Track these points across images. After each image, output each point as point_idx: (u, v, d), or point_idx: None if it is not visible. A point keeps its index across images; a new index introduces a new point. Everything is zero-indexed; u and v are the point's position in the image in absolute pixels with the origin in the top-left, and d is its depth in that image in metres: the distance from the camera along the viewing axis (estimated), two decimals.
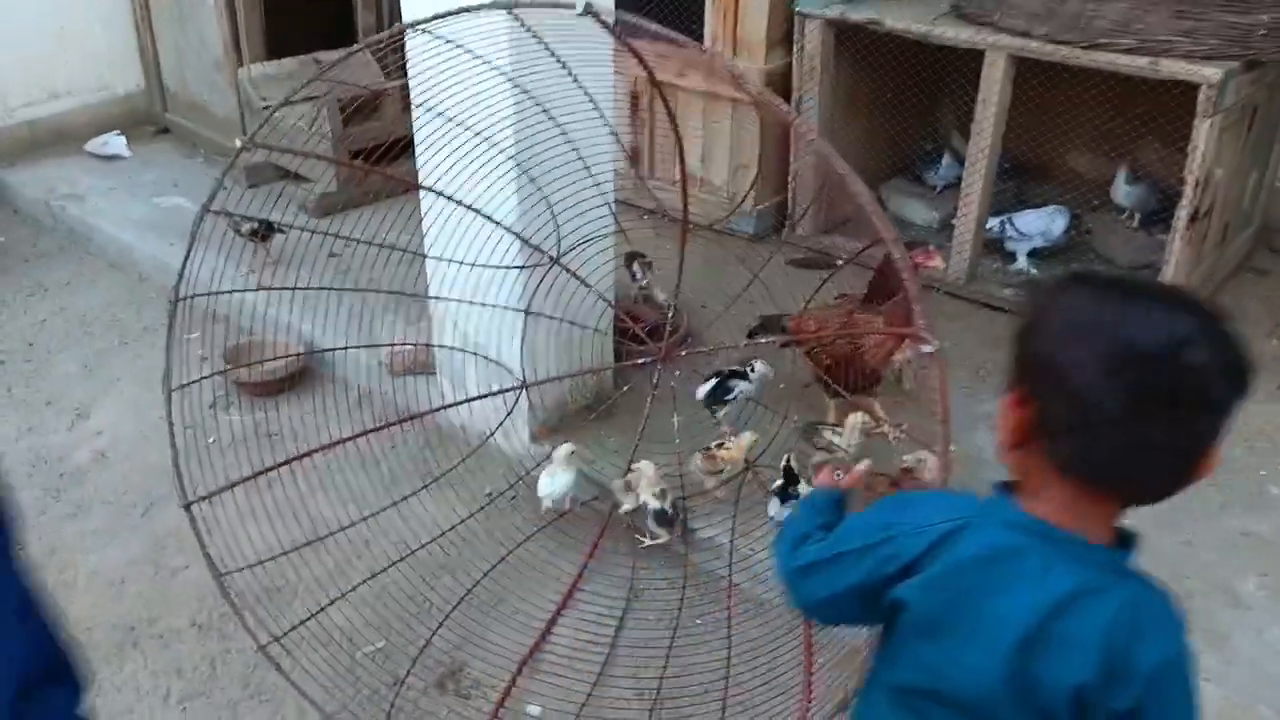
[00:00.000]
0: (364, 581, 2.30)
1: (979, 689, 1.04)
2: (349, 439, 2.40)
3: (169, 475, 2.14)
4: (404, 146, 4.24)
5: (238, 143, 2.85)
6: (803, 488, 2.31)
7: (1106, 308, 0.99)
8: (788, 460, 2.36)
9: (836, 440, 2.49)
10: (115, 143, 4.54)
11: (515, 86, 2.30)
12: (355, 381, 3.10)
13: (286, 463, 2.28)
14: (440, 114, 2.34)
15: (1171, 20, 2.91)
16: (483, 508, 2.56)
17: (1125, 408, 0.95)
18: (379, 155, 4.18)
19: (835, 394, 2.66)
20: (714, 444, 2.53)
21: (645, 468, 2.40)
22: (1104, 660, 0.99)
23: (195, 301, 2.15)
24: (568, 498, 2.52)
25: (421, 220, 2.65)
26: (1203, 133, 2.86)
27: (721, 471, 2.50)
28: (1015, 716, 1.03)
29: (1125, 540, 1.06)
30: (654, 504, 2.37)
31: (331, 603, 2.22)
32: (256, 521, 2.20)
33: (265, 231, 3.38)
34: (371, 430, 2.45)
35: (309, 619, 2.15)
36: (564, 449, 2.48)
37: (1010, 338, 1.04)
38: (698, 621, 2.32)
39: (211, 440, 2.70)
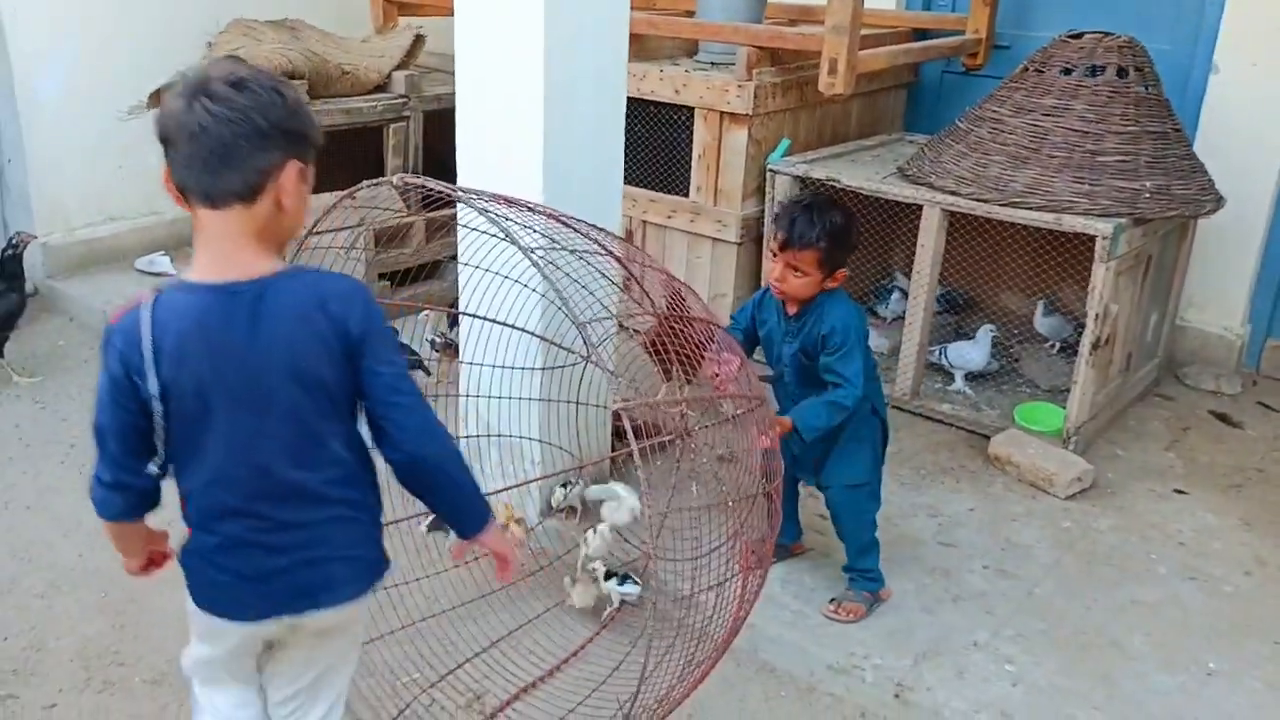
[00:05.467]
0: (402, 628, 2.73)
1: None
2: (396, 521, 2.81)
3: None
4: (426, 271, 4.81)
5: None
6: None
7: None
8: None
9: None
10: (161, 261, 5.09)
11: (544, 236, 2.87)
12: None
13: None
14: (479, 267, 2.91)
15: (1072, 184, 3.57)
16: (513, 583, 2.97)
17: None
18: (403, 277, 4.76)
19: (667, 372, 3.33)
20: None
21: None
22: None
23: None
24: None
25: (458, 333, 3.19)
26: (1099, 275, 3.47)
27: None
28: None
29: None
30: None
31: (370, 641, 2.64)
32: None
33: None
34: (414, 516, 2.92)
35: None
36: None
37: (830, 237, 2.52)
38: None
39: None
